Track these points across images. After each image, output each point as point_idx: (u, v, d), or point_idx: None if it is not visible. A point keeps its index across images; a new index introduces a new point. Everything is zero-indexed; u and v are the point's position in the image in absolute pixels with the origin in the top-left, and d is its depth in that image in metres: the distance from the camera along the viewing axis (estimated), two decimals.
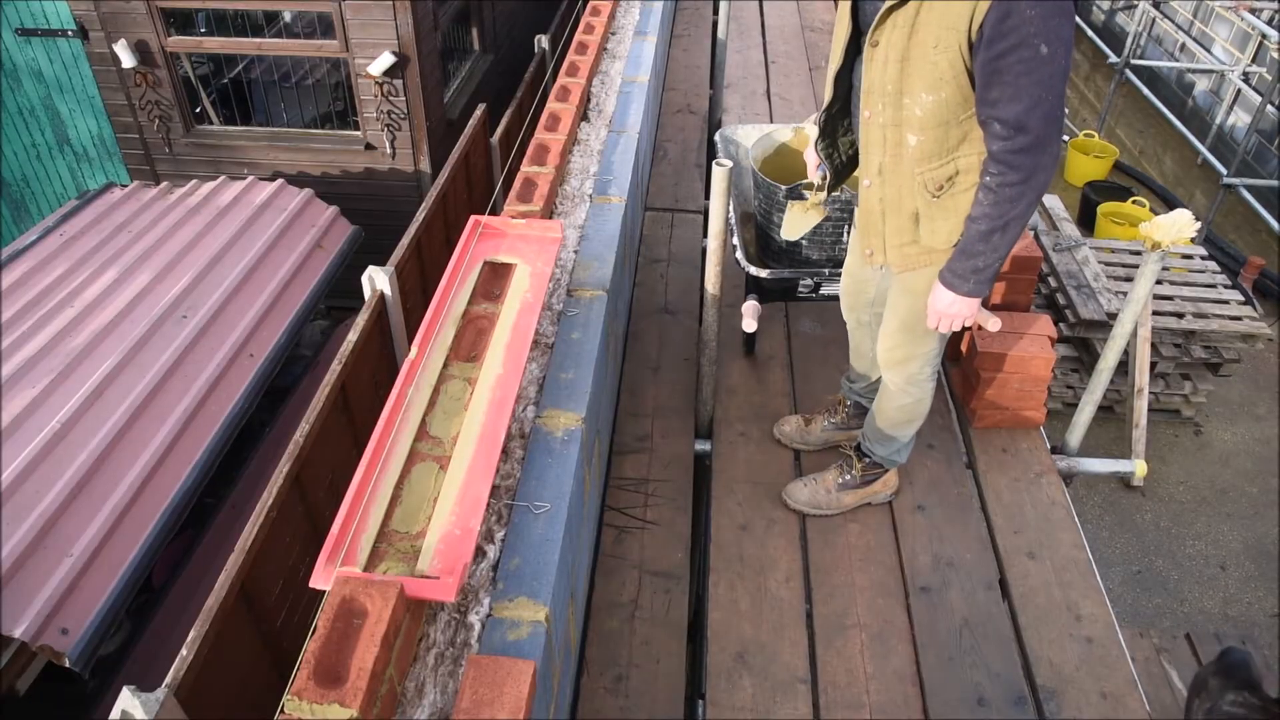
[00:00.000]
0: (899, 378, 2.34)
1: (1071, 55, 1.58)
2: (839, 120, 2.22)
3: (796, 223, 2.64)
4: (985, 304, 3.01)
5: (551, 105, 3.12)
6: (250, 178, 5.01)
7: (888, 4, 1.78)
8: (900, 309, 2.22)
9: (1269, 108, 7.38)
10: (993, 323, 2.70)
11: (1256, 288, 6.93)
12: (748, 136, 3.17)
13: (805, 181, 2.68)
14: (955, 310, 2.03)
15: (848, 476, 2.59)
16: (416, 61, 5.36)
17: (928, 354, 2.29)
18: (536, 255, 2.22)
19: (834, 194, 2.46)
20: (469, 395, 1.82)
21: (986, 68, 1.67)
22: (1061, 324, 5.53)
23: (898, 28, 1.79)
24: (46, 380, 3.46)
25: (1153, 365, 5.69)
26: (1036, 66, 1.58)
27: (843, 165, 2.32)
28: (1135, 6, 9.07)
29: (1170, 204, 8.19)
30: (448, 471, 1.64)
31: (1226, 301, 5.78)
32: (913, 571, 2.46)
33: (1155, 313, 5.54)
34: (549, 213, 2.67)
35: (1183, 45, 9.12)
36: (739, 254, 2.89)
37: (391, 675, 1.36)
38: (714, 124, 4.92)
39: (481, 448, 1.67)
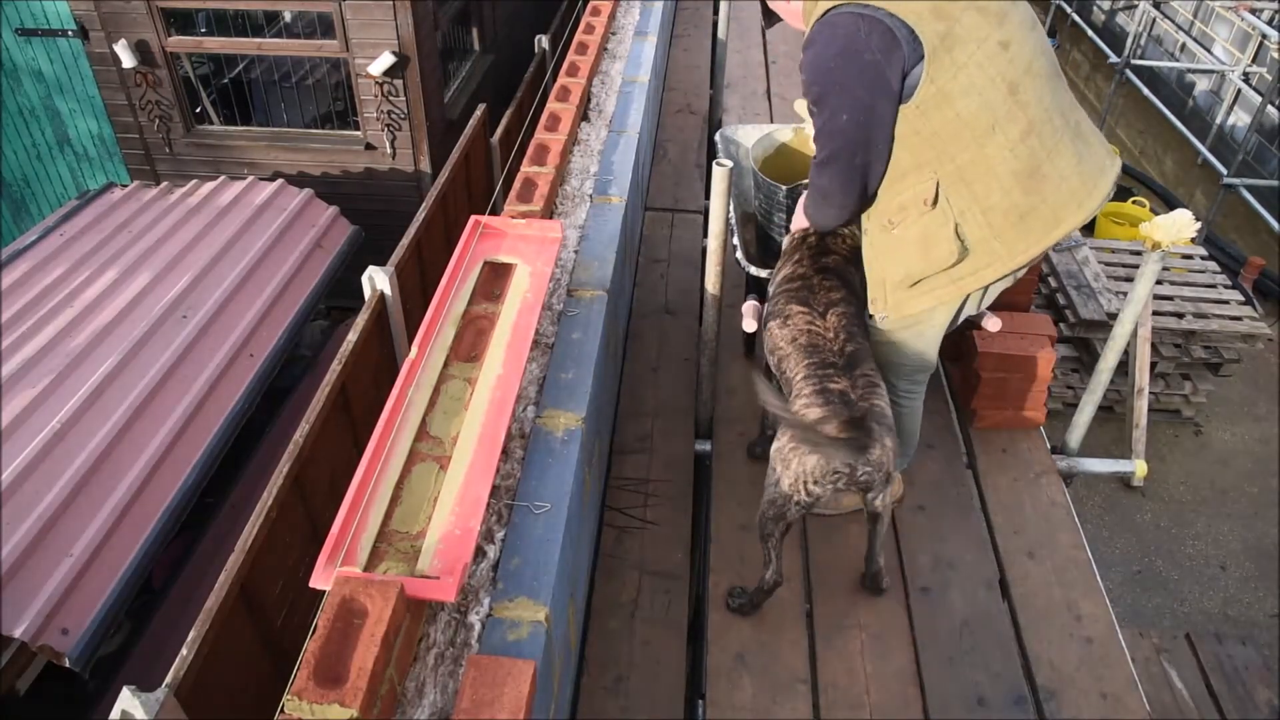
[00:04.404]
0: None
1: (847, 118, 1.97)
2: None
3: None
4: None
5: (551, 105, 3.11)
6: (250, 178, 5.01)
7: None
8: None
9: (1269, 108, 7.38)
10: (993, 323, 2.70)
11: (1256, 288, 6.93)
12: (748, 136, 3.17)
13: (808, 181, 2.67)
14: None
15: None
16: (416, 61, 5.36)
17: (904, 375, 2.31)
18: (536, 255, 2.22)
19: None
20: (469, 395, 1.82)
21: None
22: (1061, 324, 5.53)
23: None
24: (46, 380, 3.46)
25: (1153, 365, 5.69)
26: (815, 118, 2.09)
27: None
28: (1135, 6, 9.07)
29: (1170, 204, 8.18)
30: (448, 471, 1.64)
31: (1226, 301, 5.78)
32: (913, 571, 2.46)
33: (1155, 313, 5.54)
34: (549, 213, 2.67)
35: (1183, 45, 9.12)
36: (739, 254, 2.89)
37: (391, 675, 1.36)
38: (714, 124, 4.92)
39: (481, 448, 1.67)
